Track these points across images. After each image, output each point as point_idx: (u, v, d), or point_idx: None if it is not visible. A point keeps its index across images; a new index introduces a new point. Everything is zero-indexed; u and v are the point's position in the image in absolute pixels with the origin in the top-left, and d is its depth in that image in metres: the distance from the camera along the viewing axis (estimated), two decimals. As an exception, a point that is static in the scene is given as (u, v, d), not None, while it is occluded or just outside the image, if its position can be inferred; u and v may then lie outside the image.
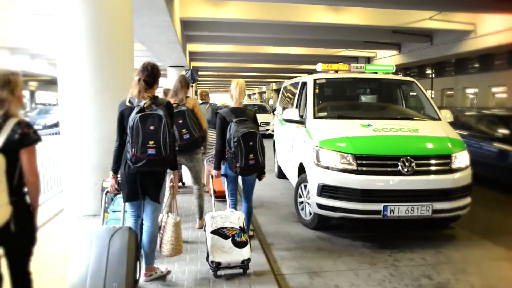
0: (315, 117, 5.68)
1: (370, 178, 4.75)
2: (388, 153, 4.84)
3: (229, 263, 3.72)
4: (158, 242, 3.69)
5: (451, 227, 5.55)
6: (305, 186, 5.51)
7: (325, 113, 5.84)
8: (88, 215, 5.53)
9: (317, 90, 6.08)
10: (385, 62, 24.70)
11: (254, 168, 4.17)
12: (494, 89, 22.28)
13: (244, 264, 3.79)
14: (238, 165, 4.07)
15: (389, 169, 4.78)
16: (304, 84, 6.64)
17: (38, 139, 2.40)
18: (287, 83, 9.06)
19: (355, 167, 4.79)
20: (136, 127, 3.10)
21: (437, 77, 26.20)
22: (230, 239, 3.75)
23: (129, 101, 3.28)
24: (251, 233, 4.70)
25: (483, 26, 17.51)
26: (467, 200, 5.05)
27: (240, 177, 4.42)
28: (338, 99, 6.73)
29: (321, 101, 6.13)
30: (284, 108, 8.68)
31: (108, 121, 5.43)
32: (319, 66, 6.58)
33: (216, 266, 3.71)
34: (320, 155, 5.06)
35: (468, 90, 24.28)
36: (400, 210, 4.69)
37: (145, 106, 3.15)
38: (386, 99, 6.90)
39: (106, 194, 3.71)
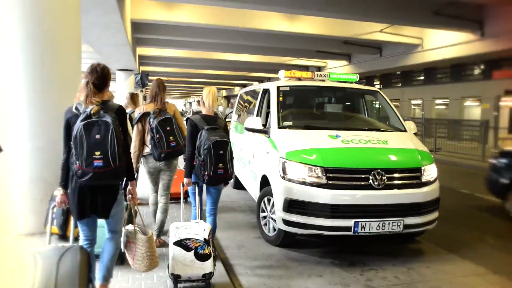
0: (279, 127, 5.35)
1: (340, 193, 4.48)
2: (358, 166, 4.60)
3: (189, 277, 3.57)
4: (130, 259, 3.35)
5: (417, 241, 5.41)
6: (269, 200, 5.17)
7: (290, 123, 5.52)
8: (26, 233, 4.88)
9: (281, 98, 5.77)
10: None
11: (222, 177, 4.06)
12: (437, 101, 23.23)
13: (205, 278, 3.61)
14: (206, 173, 3.95)
15: (359, 183, 4.54)
16: (265, 91, 6.32)
17: None
18: (244, 90, 8.71)
19: (324, 181, 4.51)
20: (79, 136, 2.75)
21: (384, 88, 26.99)
22: (193, 251, 3.57)
23: (76, 108, 2.91)
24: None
25: (429, 41, 18.23)
26: (436, 214, 4.92)
27: (204, 188, 4.24)
28: (303, 108, 6.46)
29: (285, 110, 5.82)
30: (239, 116, 8.34)
31: (49, 128, 4.85)
32: (281, 73, 6.28)
33: (176, 279, 3.55)
34: (287, 168, 4.73)
35: (413, 102, 25.15)
36: (372, 226, 4.46)
37: (92, 112, 2.80)
38: (352, 108, 6.73)
39: (53, 208, 3.27)
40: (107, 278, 3.17)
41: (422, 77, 23.85)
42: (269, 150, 5.26)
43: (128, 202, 3.32)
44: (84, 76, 2.97)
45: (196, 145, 4.03)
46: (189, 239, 3.59)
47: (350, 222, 4.43)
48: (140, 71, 23.78)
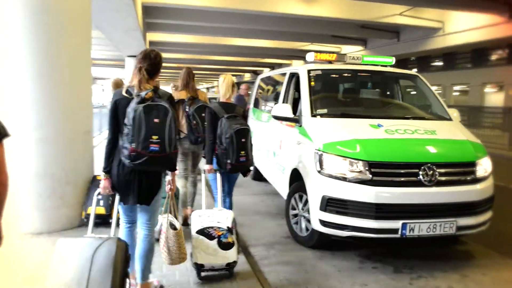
0: (312, 115, 4.81)
1: (386, 190, 3.95)
2: (407, 159, 4.06)
3: (212, 266, 3.51)
4: (160, 249, 3.24)
5: (464, 242, 4.89)
6: (301, 197, 4.67)
7: (324, 110, 4.96)
8: (31, 233, 4.45)
9: (312, 83, 5.21)
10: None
11: (244, 165, 4.03)
12: (456, 87, 22.47)
13: (229, 267, 3.56)
14: (229, 161, 3.93)
15: (408, 179, 4.00)
16: (292, 75, 5.77)
17: (6, 134, 1.88)
18: (265, 75, 8.16)
19: (368, 177, 3.98)
20: (138, 118, 2.71)
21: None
22: (216, 240, 3.51)
23: (127, 91, 2.90)
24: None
25: (451, 24, 17.42)
26: (490, 214, 4.39)
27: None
28: (337, 94, 5.89)
29: (318, 96, 5.26)
30: (259, 103, 7.82)
31: (56, 116, 4.40)
32: (310, 55, 5.71)
33: (199, 268, 3.50)
34: (324, 161, 4.21)
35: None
36: (421, 228, 3.93)
37: (146, 97, 2.77)
38: (390, 94, 6.13)
39: (98, 195, 3.15)
40: (146, 276, 3.17)
41: (440, 63, 23.02)
42: (301, 141, 4.73)
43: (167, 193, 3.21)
44: (137, 62, 2.98)
45: (216, 133, 3.99)
46: (212, 227, 3.55)
47: (397, 224, 3.91)
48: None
